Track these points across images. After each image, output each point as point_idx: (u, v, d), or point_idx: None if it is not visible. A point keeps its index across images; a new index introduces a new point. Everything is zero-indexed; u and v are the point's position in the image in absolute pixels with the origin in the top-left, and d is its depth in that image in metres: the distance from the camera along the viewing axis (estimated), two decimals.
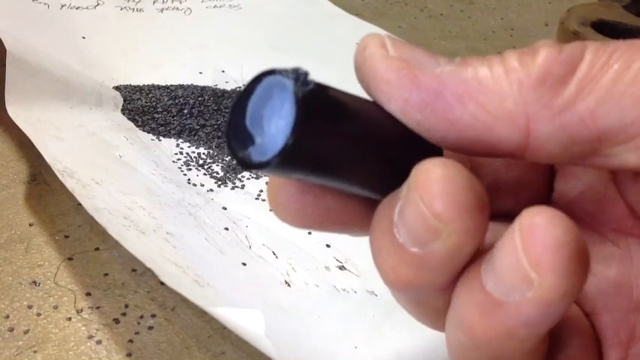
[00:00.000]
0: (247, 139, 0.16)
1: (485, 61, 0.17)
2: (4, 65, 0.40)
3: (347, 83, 0.17)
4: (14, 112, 0.37)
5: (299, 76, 0.15)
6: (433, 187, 0.16)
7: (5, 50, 0.41)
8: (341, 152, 0.16)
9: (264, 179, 0.40)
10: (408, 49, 0.17)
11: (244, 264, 0.33)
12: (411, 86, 0.17)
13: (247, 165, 0.16)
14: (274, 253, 0.33)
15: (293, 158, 0.15)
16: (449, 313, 0.17)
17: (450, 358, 0.18)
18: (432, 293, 0.18)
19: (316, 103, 0.15)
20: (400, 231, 0.16)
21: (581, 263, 0.15)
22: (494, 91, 0.16)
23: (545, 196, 0.21)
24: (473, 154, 0.18)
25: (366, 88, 0.17)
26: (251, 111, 0.16)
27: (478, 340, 0.16)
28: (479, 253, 0.17)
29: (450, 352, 0.18)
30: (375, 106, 0.17)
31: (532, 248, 0.15)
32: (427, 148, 0.17)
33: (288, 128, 0.15)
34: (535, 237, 0.15)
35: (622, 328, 0.20)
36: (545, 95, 0.16)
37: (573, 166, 0.21)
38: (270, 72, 0.16)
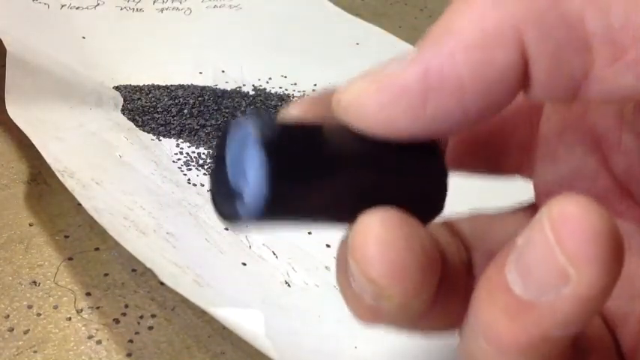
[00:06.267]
0: (233, 195, 0.15)
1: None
2: (4, 65, 0.40)
3: None
4: (14, 112, 0.37)
5: (261, 122, 0.15)
6: (368, 252, 0.15)
7: (5, 50, 0.41)
8: (322, 188, 0.16)
9: None
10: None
11: (244, 264, 0.33)
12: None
13: (233, 219, 0.15)
14: (274, 253, 0.33)
15: (275, 207, 0.15)
16: (467, 320, 0.16)
17: None
18: (400, 325, 0.18)
19: (282, 146, 0.15)
20: (354, 282, 0.16)
21: (618, 252, 0.14)
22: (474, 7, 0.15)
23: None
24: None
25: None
26: (231, 165, 0.16)
27: (507, 347, 0.15)
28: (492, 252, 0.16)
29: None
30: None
31: (567, 240, 0.13)
32: (417, 154, 0.17)
33: (261, 178, 0.14)
34: (569, 227, 0.13)
35: (629, 316, 0.19)
36: None
37: (559, 148, 0.20)
38: (237, 122, 0.15)
